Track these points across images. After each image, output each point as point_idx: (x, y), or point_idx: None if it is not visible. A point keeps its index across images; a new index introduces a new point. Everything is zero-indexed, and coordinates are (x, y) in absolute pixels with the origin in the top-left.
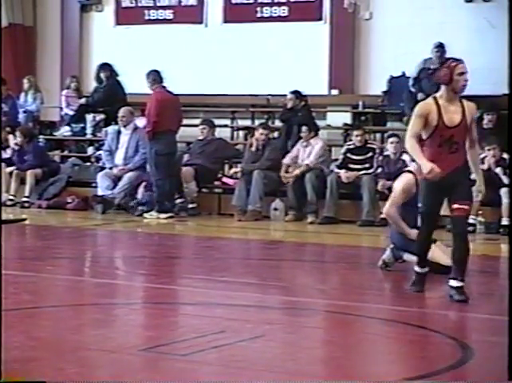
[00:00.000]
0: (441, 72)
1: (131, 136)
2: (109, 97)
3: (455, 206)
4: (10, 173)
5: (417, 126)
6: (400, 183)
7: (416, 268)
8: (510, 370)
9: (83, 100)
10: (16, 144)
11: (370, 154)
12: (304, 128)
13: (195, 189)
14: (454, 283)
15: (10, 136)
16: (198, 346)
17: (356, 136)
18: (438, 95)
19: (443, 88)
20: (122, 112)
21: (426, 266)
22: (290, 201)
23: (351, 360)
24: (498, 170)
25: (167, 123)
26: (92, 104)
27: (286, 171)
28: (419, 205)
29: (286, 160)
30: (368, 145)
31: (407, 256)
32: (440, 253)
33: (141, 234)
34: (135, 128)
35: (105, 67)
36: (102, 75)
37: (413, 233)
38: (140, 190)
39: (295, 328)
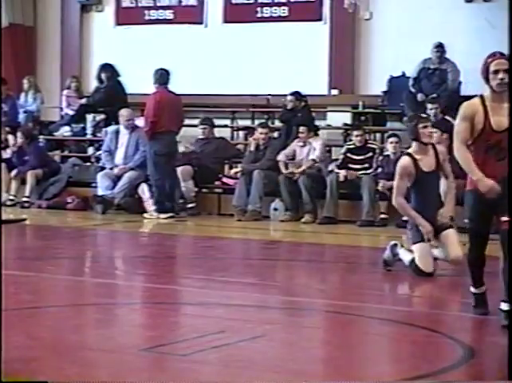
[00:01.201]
0: (481, 67)
1: (131, 135)
2: (110, 98)
3: (504, 219)
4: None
5: (465, 131)
6: (397, 169)
7: (472, 289)
8: (510, 370)
9: (83, 101)
10: (16, 145)
11: (370, 154)
12: (302, 128)
13: (193, 188)
14: (503, 306)
15: (10, 137)
16: (199, 346)
17: (356, 136)
18: (485, 94)
19: (487, 86)
20: (128, 115)
21: (482, 285)
22: (285, 202)
23: (351, 360)
24: None
25: (166, 123)
26: (92, 104)
27: (286, 168)
28: (466, 221)
29: (281, 157)
30: (368, 145)
31: (402, 252)
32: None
33: (141, 234)
34: (135, 127)
35: (107, 67)
36: (103, 75)
37: (423, 223)
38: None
39: (295, 328)
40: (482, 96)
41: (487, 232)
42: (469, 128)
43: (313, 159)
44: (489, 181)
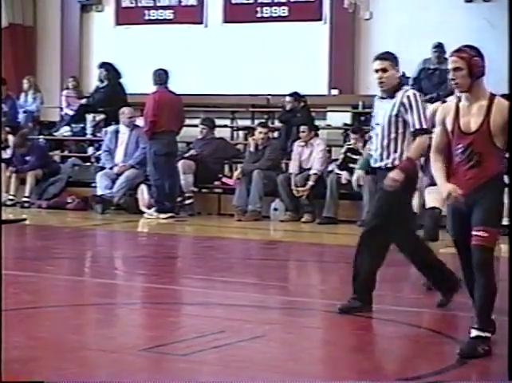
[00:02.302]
0: None
1: (131, 133)
2: (110, 97)
3: (475, 233)
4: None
5: (438, 136)
6: None
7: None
8: (510, 370)
9: (83, 101)
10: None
11: None
12: (303, 127)
13: (192, 182)
14: (472, 332)
15: (10, 137)
16: (198, 346)
17: (353, 139)
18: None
19: None
20: (129, 112)
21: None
22: (285, 202)
23: (351, 360)
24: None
25: (166, 123)
26: (92, 104)
27: (296, 185)
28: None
29: (294, 169)
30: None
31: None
32: None
33: (141, 234)
34: (135, 126)
35: (107, 67)
36: (103, 75)
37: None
38: None
39: (295, 328)
40: (459, 97)
41: (468, 244)
42: (443, 132)
43: (315, 174)
44: (448, 186)
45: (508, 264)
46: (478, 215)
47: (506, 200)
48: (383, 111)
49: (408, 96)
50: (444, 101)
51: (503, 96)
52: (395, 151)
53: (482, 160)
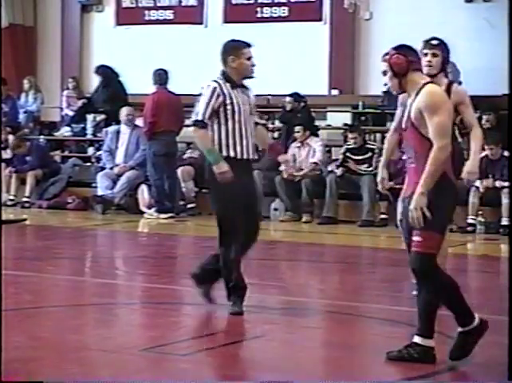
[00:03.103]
0: None
1: (132, 134)
2: (111, 98)
3: (414, 239)
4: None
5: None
6: None
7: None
8: (510, 370)
9: (83, 101)
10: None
11: (369, 154)
12: (298, 128)
13: (193, 189)
14: (414, 338)
15: (10, 136)
16: (199, 346)
17: (351, 138)
18: None
19: None
20: (128, 111)
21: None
22: (284, 202)
23: (351, 360)
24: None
25: (165, 123)
26: (93, 103)
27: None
28: None
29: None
30: (367, 146)
31: None
32: None
33: (141, 234)
34: (135, 126)
35: (103, 69)
36: (100, 77)
37: None
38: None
39: (295, 328)
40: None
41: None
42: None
43: (315, 163)
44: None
45: (508, 264)
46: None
47: (505, 200)
48: None
49: None
50: None
51: (503, 96)
52: None
53: (418, 157)
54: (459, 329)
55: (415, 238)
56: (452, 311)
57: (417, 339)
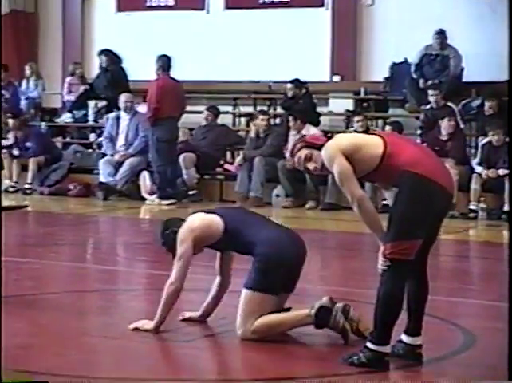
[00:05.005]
0: None
1: (131, 121)
2: (112, 84)
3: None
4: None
5: None
6: None
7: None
8: (511, 370)
9: (85, 87)
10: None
11: None
12: (290, 118)
13: (195, 175)
14: (404, 338)
15: (10, 121)
16: (201, 332)
17: (357, 121)
18: None
19: None
20: (126, 97)
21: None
22: (285, 188)
23: (351, 346)
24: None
25: (169, 109)
26: (95, 89)
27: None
28: None
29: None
30: (370, 133)
31: None
32: None
33: (143, 220)
34: (135, 113)
35: (107, 53)
36: (105, 60)
37: None
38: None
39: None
40: None
41: None
42: None
43: None
44: None
45: (508, 249)
46: None
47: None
48: None
49: None
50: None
51: (505, 82)
52: None
53: None
54: (368, 344)
55: (382, 248)
56: (377, 322)
57: (368, 343)
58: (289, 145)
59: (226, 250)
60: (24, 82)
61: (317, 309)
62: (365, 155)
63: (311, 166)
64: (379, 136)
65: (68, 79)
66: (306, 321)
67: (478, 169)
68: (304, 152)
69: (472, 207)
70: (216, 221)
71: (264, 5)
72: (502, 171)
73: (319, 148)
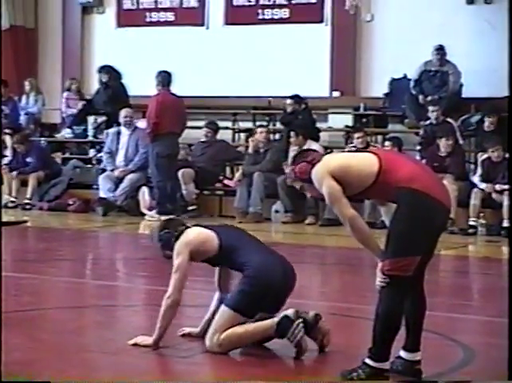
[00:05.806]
0: None
1: (131, 136)
2: (112, 99)
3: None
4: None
5: None
6: None
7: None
8: (510, 370)
9: (83, 103)
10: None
11: None
12: (292, 133)
13: (194, 191)
14: (403, 354)
15: (8, 137)
16: (200, 348)
17: (357, 138)
18: None
19: None
20: (126, 112)
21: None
22: (284, 204)
23: (352, 361)
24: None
25: (169, 125)
26: (94, 105)
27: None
28: None
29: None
30: (364, 150)
31: None
32: None
33: (142, 236)
34: (135, 128)
35: (107, 69)
36: (103, 77)
37: None
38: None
39: None
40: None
41: None
42: None
43: None
44: None
45: (508, 266)
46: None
47: (506, 202)
48: None
49: None
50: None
51: (505, 98)
52: None
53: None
54: (367, 360)
55: (380, 265)
56: (376, 339)
57: (366, 359)
58: (290, 160)
59: (220, 265)
60: (23, 97)
61: (279, 318)
62: (359, 174)
63: (308, 194)
64: (373, 153)
65: (65, 94)
66: (270, 332)
67: (482, 185)
68: (297, 184)
69: (471, 222)
70: (211, 237)
71: (263, 21)
72: (499, 187)
73: (308, 180)
